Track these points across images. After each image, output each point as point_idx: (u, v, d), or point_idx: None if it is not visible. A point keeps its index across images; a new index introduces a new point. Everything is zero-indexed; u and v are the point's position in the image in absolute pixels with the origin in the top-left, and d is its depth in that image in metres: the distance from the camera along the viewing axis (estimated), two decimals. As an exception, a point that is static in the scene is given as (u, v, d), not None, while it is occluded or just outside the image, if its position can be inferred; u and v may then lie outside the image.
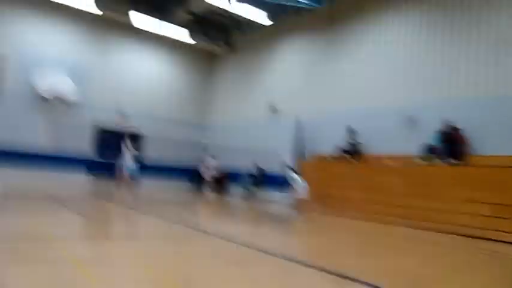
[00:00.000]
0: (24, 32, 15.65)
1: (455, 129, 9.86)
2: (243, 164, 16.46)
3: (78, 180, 15.34)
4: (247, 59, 18.68)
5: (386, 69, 12.30)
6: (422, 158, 10.14)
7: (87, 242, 5.24)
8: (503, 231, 7.84)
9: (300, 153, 12.98)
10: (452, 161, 9.58)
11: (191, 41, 18.43)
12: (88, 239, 5.51)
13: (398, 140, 11.40)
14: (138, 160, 12.13)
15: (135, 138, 17.24)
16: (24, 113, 15.17)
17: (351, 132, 12.39)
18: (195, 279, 3.62)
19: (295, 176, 9.78)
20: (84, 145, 16.33)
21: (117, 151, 12.15)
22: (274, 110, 16.32)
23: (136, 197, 11.15)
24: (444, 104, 10.63)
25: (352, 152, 12.13)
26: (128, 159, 11.81)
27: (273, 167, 14.10)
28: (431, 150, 10.19)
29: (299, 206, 9.25)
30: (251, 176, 16.07)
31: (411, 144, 10.80)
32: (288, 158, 13.28)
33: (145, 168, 18.14)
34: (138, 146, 12.28)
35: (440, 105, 10.71)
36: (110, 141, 15.39)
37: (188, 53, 20.11)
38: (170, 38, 18.31)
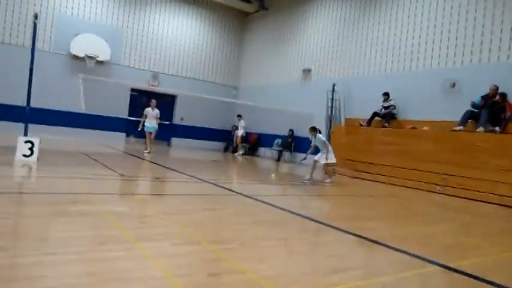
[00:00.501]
0: (59, -9, 15.78)
1: (502, 95, 9.28)
2: (274, 126, 16.40)
3: (116, 140, 15.81)
4: (279, 19, 18.13)
5: (426, 30, 11.60)
6: (461, 125, 9.67)
7: (122, 198, 5.43)
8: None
9: (333, 117, 12.73)
10: (496, 128, 9.09)
11: None
12: (123, 195, 5.70)
13: (437, 105, 10.93)
14: (159, 120, 12.49)
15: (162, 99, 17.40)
16: (60, 74, 15.58)
17: (386, 96, 11.97)
18: (226, 235, 3.68)
19: (323, 139, 9.34)
20: (120, 105, 16.69)
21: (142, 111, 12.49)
22: (307, 72, 15.97)
23: (162, 155, 11.40)
24: (487, 69, 10.01)
25: (387, 117, 11.76)
26: (150, 119, 12.14)
27: (304, 131, 13.95)
28: (472, 117, 9.70)
29: (330, 169, 9.03)
30: (282, 138, 16.04)
31: (450, 110, 10.35)
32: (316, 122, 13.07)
33: (176, 128, 18.54)
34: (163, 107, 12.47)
35: (482, 70, 10.09)
36: (144, 101, 15.63)
37: (220, 12, 19.73)
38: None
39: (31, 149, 7.37)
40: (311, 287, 2.55)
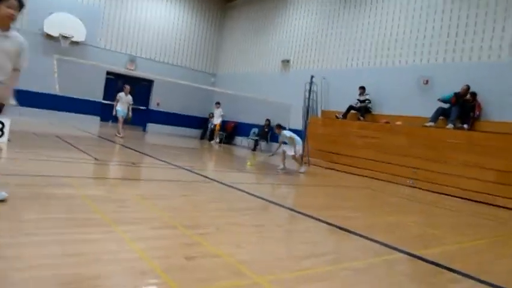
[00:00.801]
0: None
1: (472, 94, 9.63)
2: (252, 115, 16.48)
3: (90, 123, 15.50)
4: (260, 7, 18.07)
5: (403, 27, 11.87)
6: (432, 121, 10.02)
7: (98, 182, 5.39)
8: (508, 198, 7.91)
9: (310, 109, 12.89)
10: (465, 126, 9.46)
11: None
12: (98, 179, 5.66)
13: (411, 101, 11.25)
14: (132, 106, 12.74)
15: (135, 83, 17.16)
16: (33, 53, 15.05)
17: (362, 90, 12.22)
18: (202, 220, 3.74)
19: (288, 135, 9.47)
20: (96, 88, 16.34)
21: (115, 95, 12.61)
22: (286, 62, 16.05)
23: (137, 140, 11.27)
24: (459, 68, 10.36)
25: (362, 110, 12.02)
26: (121, 103, 12.32)
27: (281, 121, 14.12)
28: (443, 114, 10.05)
29: (298, 159, 9.40)
30: (259, 127, 16.13)
31: (423, 106, 10.68)
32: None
33: (152, 114, 18.33)
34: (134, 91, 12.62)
35: (455, 69, 10.44)
36: (119, 85, 15.36)
37: (201, -2, 19.50)
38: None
39: (1, 129, 7.16)
40: (285, 271, 2.66)
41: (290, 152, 9.39)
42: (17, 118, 10.09)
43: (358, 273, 2.83)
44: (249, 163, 8.49)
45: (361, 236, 3.91)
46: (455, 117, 9.62)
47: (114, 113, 12.31)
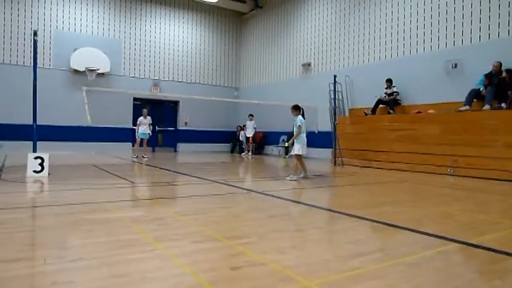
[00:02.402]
0: (57, 10, 15.88)
1: (508, 72, 9.19)
2: (279, 123, 16.42)
3: (123, 150, 15.90)
4: (274, 16, 18.14)
5: (423, 13, 11.56)
6: (467, 105, 9.62)
7: (136, 204, 5.46)
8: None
9: (337, 109, 12.72)
10: (503, 105, 9.03)
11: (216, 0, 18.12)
12: (137, 200, 5.74)
13: (440, 87, 10.90)
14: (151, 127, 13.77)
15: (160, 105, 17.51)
16: (62, 89, 15.70)
17: (389, 83, 11.94)
18: (243, 230, 3.70)
19: (297, 123, 7.91)
20: (124, 115, 16.79)
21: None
22: (307, 66, 15.97)
23: (169, 161, 11.43)
24: (488, 46, 9.95)
25: (391, 103, 11.73)
26: (142, 126, 13.31)
27: (309, 124, 14.04)
28: (477, 96, 9.65)
29: (295, 162, 8.09)
30: (288, 134, 16.03)
31: (454, 91, 10.32)
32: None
33: (181, 133, 18.63)
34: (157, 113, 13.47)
35: (483, 48, 10.04)
36: (148, 109, 15.68)
37: (215, 14, 19.81)
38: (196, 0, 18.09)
39: (41, 164, 7.44)
40: (334, 272, 2.56)
41: (293, 150, 7.96)
42: (55, 152, 10.47)
43: (412, 267, 2.69)
44: (282, 160, 8.16)
45: (408, 229, 3.75)
46: (491, 97, 9.20)
47: (136, 136, 13.34)
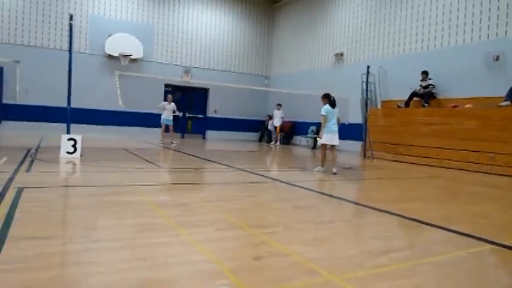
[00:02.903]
0: (91, -7, 16.22)
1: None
2: (309, 113, 16.19)
3: (154, 135, 16.17)
4: (307, 4, 17.78)
5: (464, 2, 10.99)
6: (508, 100, 9.13)
7: (163, 188, 5.52)
8: None
9: (369, 101, 12.39)
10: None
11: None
12: (164, 185, 5.80)
13: (479, 81, 10.39)
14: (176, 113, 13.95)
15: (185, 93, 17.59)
16: (96, 73, 16.07)
17: (425, 75, 11.49)
18: (268, 220, 3.65)
19: (322, 113, 7.54)
20: (155, 101, 17.01)
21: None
22: (339, 56, 15.62)
23: (197, 147, 11.49)
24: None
25: (426, 96, 11.30)
26: (166, 112, 13.51)
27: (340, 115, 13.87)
28: (519, 91, 9.14)
29: (323, 154, 7.81)
30: (317, 125, 15.82)
31: (495, 85, 9.81)
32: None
33: (210, 121, 18.73)
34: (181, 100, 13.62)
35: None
36: (177, 96, 15.88)
37: (247, 2, 19.63)
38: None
39: (74, 146, 7.65)
40: (359, 268, 2.48)
41: (320, 139, 7.60)
42: (88, 135, 10.76)
43: (443, 268, 2.56)
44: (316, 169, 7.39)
45: (439, 227, 3.60)
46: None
47: (161, 122, 13.71)
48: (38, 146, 9.75)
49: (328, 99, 7.67)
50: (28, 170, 5.81)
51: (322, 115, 7.53)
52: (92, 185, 5.00)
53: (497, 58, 10.02)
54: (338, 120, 7.72)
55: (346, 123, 10.68)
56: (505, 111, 8.98)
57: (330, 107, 7.56)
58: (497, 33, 10.22)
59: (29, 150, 8.39)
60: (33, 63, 14.54)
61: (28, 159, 7.06)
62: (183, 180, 6.22)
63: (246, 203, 4.52)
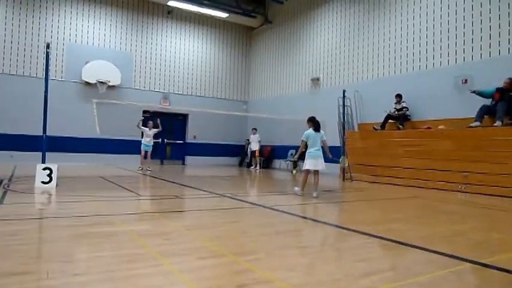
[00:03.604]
0: (70, 23, 16.18)
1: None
2: (287, 137, 16.37)
3: (131, 162, 15.93)
4: (284, 30, 18.26)
5: (433, 29, 11.53)
6: (478, 121, 9.49)
7: (143, 217, 5.42)
8: None
9: (346, 124, 12.64)
10: (513, 121, 8.91)
11: (226, 15, 18.28)
12: (143, 214, 5.70)
13: (450, 103, 10.81)
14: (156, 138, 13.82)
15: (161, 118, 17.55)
16: (73, 101, 15.87)
17: (399, 98, 11.86)
18: (250, 246, 3.63)
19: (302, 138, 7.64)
20: (134, 127, 16.86)
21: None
22: (315, 80, 15.97)
23: (177, 174, 11.38)
24: (498, 62, 9.87)
25: (401, 118, 11.63)
26: (147, 139, 13.20)
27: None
28: (488, 112, 9.52)
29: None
30: (296, 148, 15.97)
31: (465, 107, 10.21)
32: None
33: (189, 147, 18.65)
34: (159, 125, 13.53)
35: (494, 64, 9.96)
36: (156, 122, 15.75)
37: (226, 29, 20.01)
38: (206, 14, 18.33)
39: (49, 175, 7.46)
40: (344, 291, 2.48)
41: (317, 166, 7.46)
42: (64, 164, 10.52)
43: (424, 288, 2.60)
44: (293, 171, 7.86)
45: (420, 248, 3.65)
46: (503, 113, 9.07)
47: (141, 149, 13.32)
48: (12, 176, 9.46)
49: (313, 122, 7.68)
50: (1, 202, 5.62)
51: (302, 140, 7.60)
52: (68, 215, 4.87)
53: (466, 81, 10.47)
54: (324, 142, 7.70)
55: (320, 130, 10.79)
56: (477, 132, 9.31)
57: (312, 132, 7.58)
58: (464, 58, 10.71)
59: (1, 181, 8.13)
60: (7, 91, 14.27)
61: (1, 190, 6.83)
62: (164, 208, 6.13)
63: (227, 229, 4.48)
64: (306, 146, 7.62)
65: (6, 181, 8.21)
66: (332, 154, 7.88)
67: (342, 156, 10.84)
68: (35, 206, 5.96)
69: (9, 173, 10.11)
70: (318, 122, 7.69)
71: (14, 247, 3.27)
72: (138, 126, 13.44)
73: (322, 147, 7.61)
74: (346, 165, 9.75)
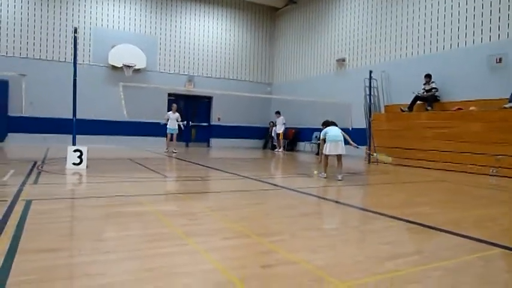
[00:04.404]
0: (96, 7, 16.39)
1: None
2: (312, 119, 16.22)
3: (158, 144, 16.22)
4: (309, 10, 17.89)
5: (465, 5, 11.01)
6: (511, 101, 9.10)
7: (169, 198, 5.54)
8: None
9: (372, 105, 12.39)
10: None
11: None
12: (170, 195, 5.82)
13: (483, 83, 10.37)
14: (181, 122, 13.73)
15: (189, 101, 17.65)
16: (100, 85, 16.19)
17: (428, 78, 11.49)
18: (275, 228, 3.66)
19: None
20: (159, 110, 17.12)
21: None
22: (341, 61, 15.66)
23: (202, 156, 11.49)
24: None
25: (429, 99, 11.29)
26: (170, 121, 13.39)
27: (343, 121, 13.84)
28: (523, 92, 9.11)
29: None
30: (321, 131, 15.82)
31: (498, 87, 9.79)
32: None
33: (214, 129, 18.79)
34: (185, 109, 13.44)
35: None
36: (181, 105, 15.96)
37: (250, 10, 19.79)
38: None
39: (80, 157, 7.69)
40: (367, 274, 2.47)
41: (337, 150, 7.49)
42: (93, 146, 10.83)
43: (452, 273, 2.55)
44: (316, 172, 7.98)
45: (447, 232, 3.58)
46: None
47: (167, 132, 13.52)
48: (45, 158, 9.82)
49: (327, 125, 7.89)
50: (35, 182, 5.86)
51: (321, 138, 7.78)
52: (98, 196, 5.03)
53: (500, 60, 10.02)
54: (344, 135, 7.66)
55: (350, 129, 10.69)
56: (510, 113, 8.94)
57: (328, 128, 7.73)
58: (499, 36, 10.22)
59: (35, 163, 8.45)
60: (38, 76, 14.69)
61: (35, 171, 7.11)
62: (189, 190, 6.23)
63: (252, 211, 4.52)
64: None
65: (40, 162, 8.53)
66: (356, 143, 7.92)
67: (376, 153, 10.66)
68: (67, 186, 6.19)
69: (42, 155, 10.49)
70: (332, 121, 7.97)
71: (47, 225, 3.42)
72: (165, 118, 13.72)
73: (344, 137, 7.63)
74: (390, 160, 9.65)
